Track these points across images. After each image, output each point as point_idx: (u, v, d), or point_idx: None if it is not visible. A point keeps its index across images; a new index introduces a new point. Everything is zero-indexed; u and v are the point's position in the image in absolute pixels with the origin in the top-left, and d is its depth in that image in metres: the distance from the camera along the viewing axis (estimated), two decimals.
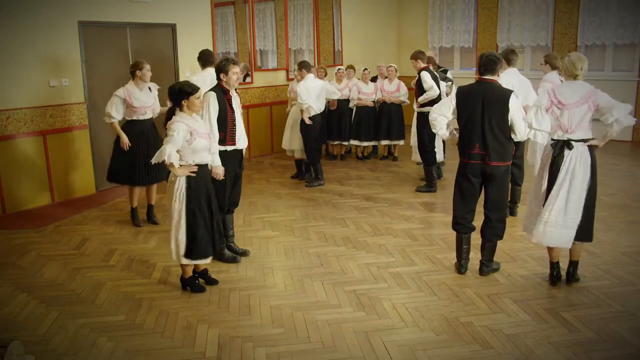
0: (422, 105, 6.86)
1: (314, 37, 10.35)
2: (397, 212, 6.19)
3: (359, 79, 8.83)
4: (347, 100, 8.73)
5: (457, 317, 3.83)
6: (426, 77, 6.79)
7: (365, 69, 8.78)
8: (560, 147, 4.08)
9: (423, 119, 6.69)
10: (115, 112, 5.59)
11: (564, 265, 4.37)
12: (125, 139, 5.62)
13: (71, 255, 5.12)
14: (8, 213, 6.33)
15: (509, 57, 5.77)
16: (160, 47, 7.78)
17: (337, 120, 8.72)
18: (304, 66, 7.13)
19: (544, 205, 4.13)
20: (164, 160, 3.91)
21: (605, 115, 3.99)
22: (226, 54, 8.75)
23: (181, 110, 4.07)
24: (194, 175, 4.08)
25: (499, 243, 4.59)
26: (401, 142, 8.82)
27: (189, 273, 4.33)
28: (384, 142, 8.81)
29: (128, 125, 5.73)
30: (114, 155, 5.80)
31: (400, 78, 8.79)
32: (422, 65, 6.88)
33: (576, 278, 4.33)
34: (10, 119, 6.26)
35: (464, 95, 4.33)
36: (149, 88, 5.77)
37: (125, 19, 7.24)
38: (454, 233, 4.58)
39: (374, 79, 8.92)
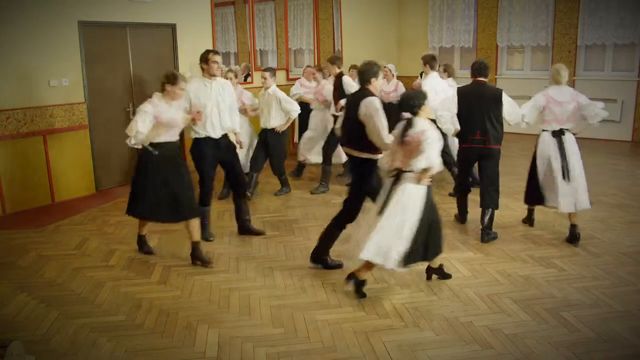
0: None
1: (314, 37, 10.35)
2: None
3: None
4: None
5: (457, 317, 3.83)
6: (349, 80, 6.87)
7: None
8: (558, 136, 5.14)
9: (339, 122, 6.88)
10: (142, 126, 4.54)
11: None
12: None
13: (71, 255, 5.12)
14: (8, 213, 6.33)
15: (432, 62, 6.85)
16: (160, 47, 7.78)
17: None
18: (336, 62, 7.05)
19: (567, 178, 5.14)
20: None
21: (587, 111, 5.11)
22: (226, 53, 8.77)
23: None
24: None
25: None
26: None
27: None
28: None
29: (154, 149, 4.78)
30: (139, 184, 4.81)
31: (399, 78, 8.78)
32: (338, 70, 6.93)
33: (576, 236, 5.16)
34: (10, 119, 6.26)
35: (464, 94, 5.31)
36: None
37: (125, 19, 7.24)
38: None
39: None
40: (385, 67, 8.57)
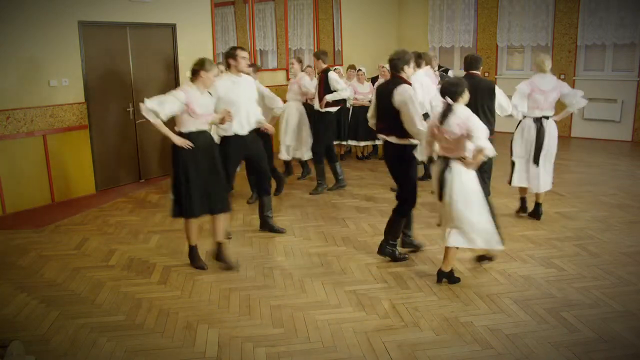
0: (328, 105, 6.95)
1: (314, 37, 10.35)
2: None
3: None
4: (346, 100, 8.72)
5: (457, 317, 3.83)
6: (335, 76, 6.90)
7: (360, 69, 8.80)
8: (540, 122, 5.59)
9: (325, 118, 6.98)
10: (160, 108, 4.32)
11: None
12: (180, 140, 4.45)
13: (71, 255, 5.12)
14: (8, 213, 6.33)
15: (418, 60, 6.74)
16: (160, 47, 7.78)
17: (335, 120, 8.71)
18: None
19: (537, 163, 5.65)
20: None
21: (568, 99, 5.65)
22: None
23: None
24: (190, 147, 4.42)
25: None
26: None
27: None
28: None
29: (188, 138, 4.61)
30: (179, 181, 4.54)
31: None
32: (324, 65, 6.91)
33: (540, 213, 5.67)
34: (10, 119, 6.26)
35: None
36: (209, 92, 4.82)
37: (125, 19, 7.24)
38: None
39: (375, 79, 8.91)
40: (382, 66, 8.61)
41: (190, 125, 4.46)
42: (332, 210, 6.34)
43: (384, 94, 4.53)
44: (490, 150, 3.99)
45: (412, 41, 12.26)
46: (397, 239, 4.77)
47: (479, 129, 3.94)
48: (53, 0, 6.50)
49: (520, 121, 5.75)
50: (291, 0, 9.90)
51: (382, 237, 4.77)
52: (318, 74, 7.06)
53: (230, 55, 5.09)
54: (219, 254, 4.76)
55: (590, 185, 7.23)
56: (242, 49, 5.14)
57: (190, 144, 4.44)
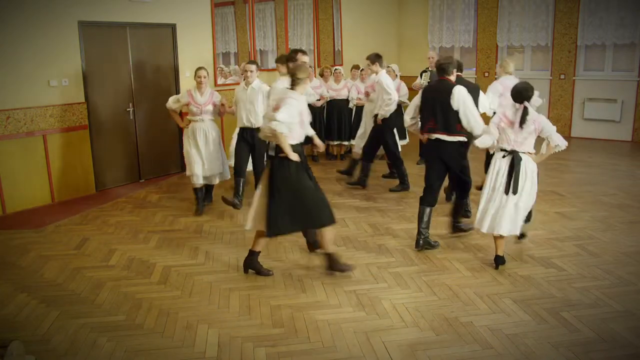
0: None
1: (314, 37, 10.35)
2: (397, 212, 6.19)
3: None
4: (347, 100, 8.74)
5: (457, 317, 3.83)
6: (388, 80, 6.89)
7: (362, 69, 8.79)
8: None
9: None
10: (291, 120, 4.20)
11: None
12: (295, 155, 4.26)
13: (71, 255, 5.12)
14: (8, 213, 6.33)
15: (379, 60, 6.89)
16: (160, 47, 7.78)
17: (337, 120, 8.73)
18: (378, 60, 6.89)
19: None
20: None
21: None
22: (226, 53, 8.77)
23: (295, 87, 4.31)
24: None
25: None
26: (403, 142, 8.81)
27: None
28: None
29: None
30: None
31: (401, 78, 8.78)
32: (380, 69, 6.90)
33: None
34: (10, 119, 6.26)
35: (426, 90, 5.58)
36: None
37: (125, 19, 7.24)
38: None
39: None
40: (388, 67, 8.60)
41: (297, 136, 4.28)
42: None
43: (436, 93, 4.94)
44: (562, 143, 4.50)
45: (412, 41, 12.27)
46: (459, 217, 5.37)
47: (552, 126, 4.49)
48: (53, 0, 6.50)
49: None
50: (291, 0, 9.90)
51: (382, 237, 4.77)
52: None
53: (289, 59, 5.11)
54: (331, 264, 4.56)
55: (590, 185, 7.23)
56: (303, 52, 5.17)
57: (298, 157, 4.26)
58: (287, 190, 4.25)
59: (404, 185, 7.10)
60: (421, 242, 5.02)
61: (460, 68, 5.89)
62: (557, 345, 3.45)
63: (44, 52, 6.48)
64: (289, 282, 4.46)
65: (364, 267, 4.72)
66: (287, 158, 4.20)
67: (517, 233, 4.65)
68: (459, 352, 3.40)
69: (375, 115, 6.99)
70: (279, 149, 4.24)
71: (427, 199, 5.03)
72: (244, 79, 6.28)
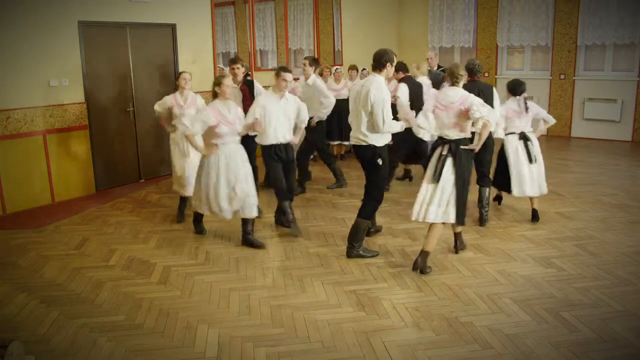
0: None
1: (314, 37, 10.35)
2: (397, 212, 6.19)
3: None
4: (347, 100, 8.72)
5: (457, 317, 3.83)
6: (258, 85, 6.80)
7: (364, 69, 8.79)
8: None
9: None
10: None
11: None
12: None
13: (71, 255, 5.12)
14: (8, 213, 6.33)
15: (315, 64, 6.86)
16: (160, 47, 7.78)
17: (337, 120, 8.71)
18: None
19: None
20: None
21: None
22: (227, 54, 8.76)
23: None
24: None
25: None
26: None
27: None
28: None
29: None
30: None
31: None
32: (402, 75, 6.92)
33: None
34: (10, 119, 6.26)
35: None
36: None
37: (125, 19, 7.24)
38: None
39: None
40: (364, 69, 8.63)
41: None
42: (332, 210, 6.34)
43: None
44: (552, 120, 5.93)
45: (412, 41, 12.26)
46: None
47: (541, 109, 5.90)
48: (53, 0, 6.50)
49: None
50: (291, 0, 9.90)
51: (382, 237, 4.76)
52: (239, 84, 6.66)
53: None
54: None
55: (590, 185, 7.23)
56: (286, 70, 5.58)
57: None
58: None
59: (340, 182, 7.30)
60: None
61: (472, 71, 5.62)
62: (557, 345, 3.45)
63: (43, 52, 6.48)
64: (289, 282, 4.46)
65: (364, 267, 4.72)
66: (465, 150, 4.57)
67: (546, 191, 5.77)
68: (458, 352, 3.40)
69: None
70: (459, 142, 4.52)
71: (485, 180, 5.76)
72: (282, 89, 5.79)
